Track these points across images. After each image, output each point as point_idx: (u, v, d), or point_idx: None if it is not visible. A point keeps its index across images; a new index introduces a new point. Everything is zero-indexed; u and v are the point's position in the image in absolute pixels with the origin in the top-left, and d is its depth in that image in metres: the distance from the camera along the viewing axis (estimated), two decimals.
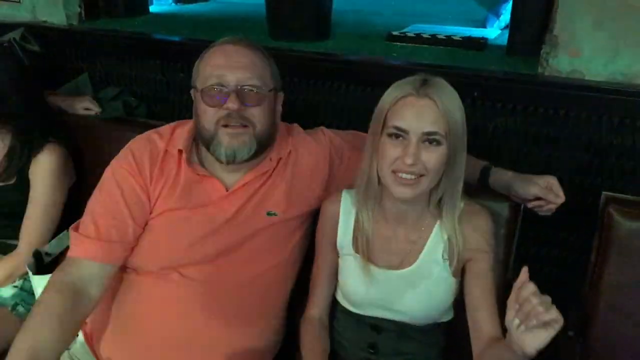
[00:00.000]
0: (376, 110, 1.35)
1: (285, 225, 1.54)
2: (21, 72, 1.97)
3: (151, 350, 1.46)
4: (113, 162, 1.53)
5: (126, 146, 1.55)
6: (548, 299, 1.05)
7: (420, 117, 1.26)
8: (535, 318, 1.03)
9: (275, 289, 1.56)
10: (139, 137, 1.58)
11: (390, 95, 1.31)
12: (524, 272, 1.08)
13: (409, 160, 1.26)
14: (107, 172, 1.52)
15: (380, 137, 1.32)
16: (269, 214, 1.51)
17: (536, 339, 1.05)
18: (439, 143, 1.28)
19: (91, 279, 1.40)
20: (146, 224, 1.49)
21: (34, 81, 2.00)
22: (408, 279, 1.41)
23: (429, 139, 1.27)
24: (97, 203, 1.48)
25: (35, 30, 2.45)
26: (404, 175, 1.29)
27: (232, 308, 1.48)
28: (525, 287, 1.06)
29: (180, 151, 1.51)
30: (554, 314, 1.03)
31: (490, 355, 1.28)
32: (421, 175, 1.29)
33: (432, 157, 1.28)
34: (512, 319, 1.07)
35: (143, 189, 1.48)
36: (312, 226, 1.62)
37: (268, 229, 1.51)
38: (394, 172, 1.30)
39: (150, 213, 1.49)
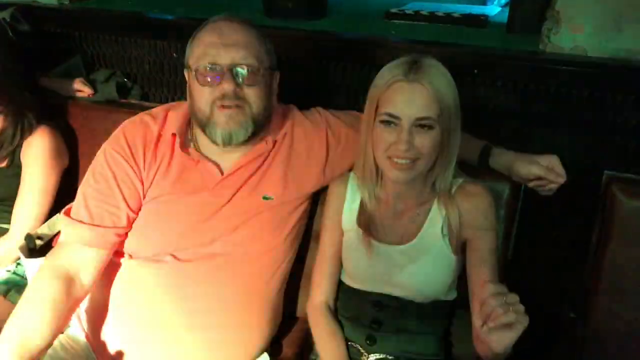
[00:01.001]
0: (368, 95, 1.36)
1: (281, 209, 1.51)
2: (12, 53, 1.93)
3: (145, 335, 1.44)
4: (105, 146, 1.50)
5: (118, 129, 1.52)
6: (513, 298, 1.03)
7: (411, 103, 1.28)
8: (493, 321, 1.02)
9: (272, 273, 1.54)
10: (131, 119, 1.54)
11: (381, 80, 1.32)
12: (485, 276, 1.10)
13: (402, 147, 1.28)
14: (99, 156, 1.49)
15: (374, 123, 1.34)
16: (265, 197, 1.48)
17: (501, 339, 1.04)
18: (431, 127, 1.29)
19: (84, 264, 1.38)
20: (140, 208, 1.46)
21: (25, 62, 1.96)
22: (408, 254, 1.41)
23: (421, 123, 1.29)
24: (89, 187, 1.45)
25: (26, 10, 2.40)
26: (399, 161, 1.31)
27: (228, 292, 1.46)
28: (484, 287, 1.05)
29: (174, 135, 1.48)
30: (512, 316, 1.01)
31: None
32: (416, 159, 1.31)
33: (426, 141, 1.29)
34: (475, 320, 1.07)
35: (136, 173, 1.45)
36: (310, 209, 1.60)
37: (264, 213, 1.48)
38: (389, 157, 1.32)
39: (144, 198, 1.46)
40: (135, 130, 1.50)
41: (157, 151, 1.47)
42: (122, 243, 1.45)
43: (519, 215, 1.57)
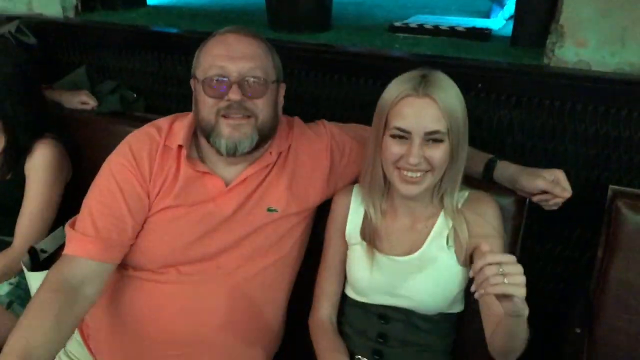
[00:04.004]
0: (377, 109, 1.36)
1: (286, 221, 1.51)
2: (17, 66, 1.93)
3: (149, 348, 1.44)
4: (110, 158, 1.49)
5: (124, 141, 1.52)
6: (513, 268, 1.04)
7: (421, 117, 1.28)
8: (485, 288, 1.05)
9: (276, 286, 1.53)
10: (136, 131, 1.54)
11: (390, 94, 1.33)
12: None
13: (413, 160, 1.29)
14: (105, 168, 1.48)
15: (383, 136, 1.34)
16: (269, 210, 1.48)
17: (504, 306, 1.10)
18: (441, 140, 1.30)
19: (88, 277, 1.36)
20: (144, 221, 1.45)
21: (31, 75, 1.96)
22: (413, 265, 1.41)
23: (432, 137, 1.29)
24: (94, 200, 1.44)
25: (31, 23, 2.41)
26: (409, 174, 1.32)
27: (231, 305, 1.45)
28: (481, 258, 1.07)
29: (180, 146, 1.48)
30: (502, 288, 1.04)
31: (498, 331, 1.26)
32: (427, 172, 1.32)
33: (436, 153, 1.30)
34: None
35: (142, 186, 1.45)
36: (314, 221, 1.60)
37: (268, 226, 1.48)
38: (398, 169, 1.32)
39: (149, 210, 1.45)
40: (141, 142, 1.49)
41: (162, 162, 1.46)
42: (126, 256, 1.44)
43: (524, 230, 1.56)
